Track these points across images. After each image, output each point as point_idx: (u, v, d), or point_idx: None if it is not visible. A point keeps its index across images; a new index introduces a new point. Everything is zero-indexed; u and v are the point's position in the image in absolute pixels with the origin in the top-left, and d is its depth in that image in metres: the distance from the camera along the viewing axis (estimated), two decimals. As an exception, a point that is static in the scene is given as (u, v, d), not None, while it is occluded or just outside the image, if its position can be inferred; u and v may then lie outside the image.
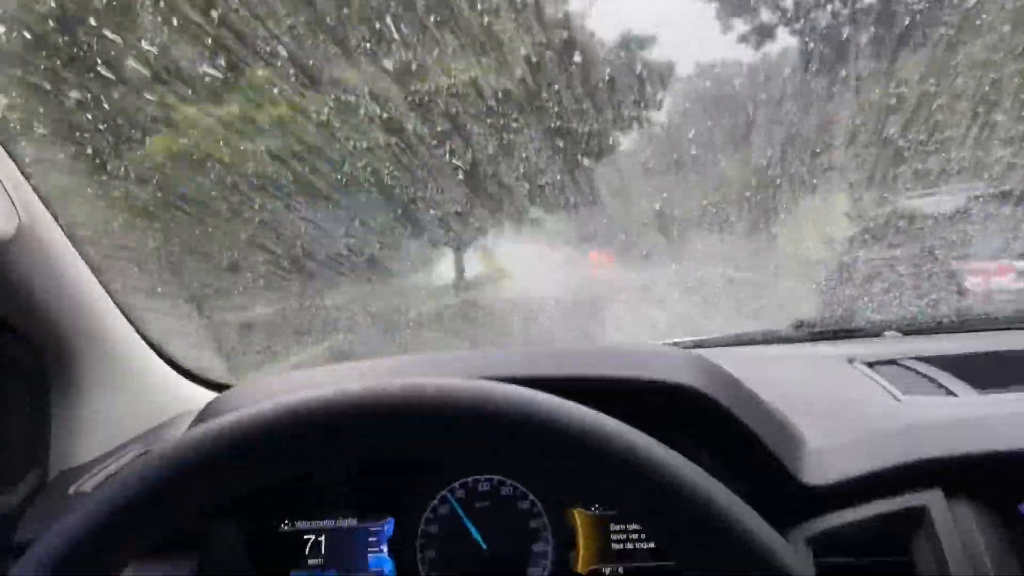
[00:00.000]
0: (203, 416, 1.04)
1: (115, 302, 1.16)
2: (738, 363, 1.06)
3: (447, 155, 2.62)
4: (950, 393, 1.03)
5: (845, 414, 1.00)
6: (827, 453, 0.92)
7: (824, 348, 1.39)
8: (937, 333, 1.46)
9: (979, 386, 1.04)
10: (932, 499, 0.85)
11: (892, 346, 1.36)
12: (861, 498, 0.87)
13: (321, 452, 0.61)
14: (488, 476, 1.10)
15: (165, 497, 0.59)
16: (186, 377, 1.30)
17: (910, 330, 1.46)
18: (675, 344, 1.48)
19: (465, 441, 0.60)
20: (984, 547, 0.81)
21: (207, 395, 1.28)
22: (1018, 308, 1.53)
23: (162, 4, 1.95)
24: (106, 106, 1.85)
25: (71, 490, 1.05)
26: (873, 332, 1.48)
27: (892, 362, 1.18)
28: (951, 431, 0.91)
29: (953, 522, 0.83)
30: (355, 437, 0.60)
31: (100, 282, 1.13)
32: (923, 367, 1.13)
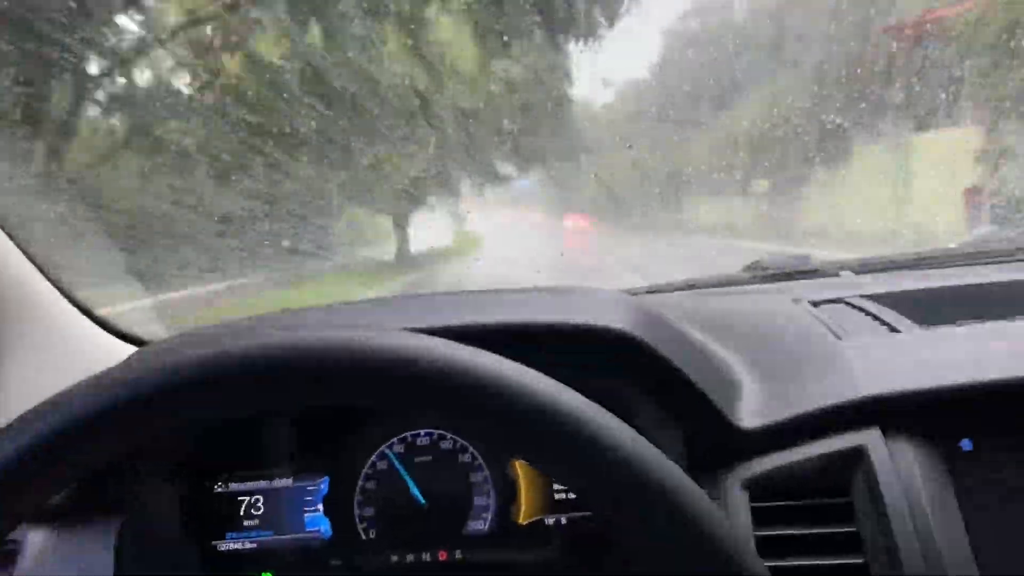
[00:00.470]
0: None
1: (31, 258, 1.11)
2: (684, 306, 1.03)
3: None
4: (893, 330, 1.00)
5: (784, 354, 0.97)
6: (763, 395, 0.90)
7: (773, 289, 1.37)
8: (892, 271, 1.44)
9: (923, 322, 1.02)
10: (869, 438, 0.83)
11: (844, 285, 1.34)
12: (798, 439, 0.86)
13: (203, 411, 0.58)
14: (428, 430, 1.07)
15: (47, 448, 0.55)
16: (110, 332, 1.25)
17: (864, 269, 1.44)
18: (630, 291, 1.45)
19: (351, 398, 0.57)
20: (923, 485, 0.80)
21: (132, 351, 1.24)
22: (975, 244, 1.51)
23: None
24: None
25: None
26: (827, 272, 1.45)
27: (838, 301, 1.15)
28: (889, 368, 0.89)
29: (891, 461, 0.81)
30: (230, 395, 0.57)
31: (12, 237, 1.08)
32: (869, 304, 1.11)
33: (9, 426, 0.56)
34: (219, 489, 1.07)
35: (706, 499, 0.54)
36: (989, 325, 0.98)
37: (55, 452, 0.56)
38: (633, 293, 1.43)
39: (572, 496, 1.04)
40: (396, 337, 0.56)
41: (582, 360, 0.82)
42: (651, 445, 0.55)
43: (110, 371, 0.59)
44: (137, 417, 0.57)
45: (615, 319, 0.90)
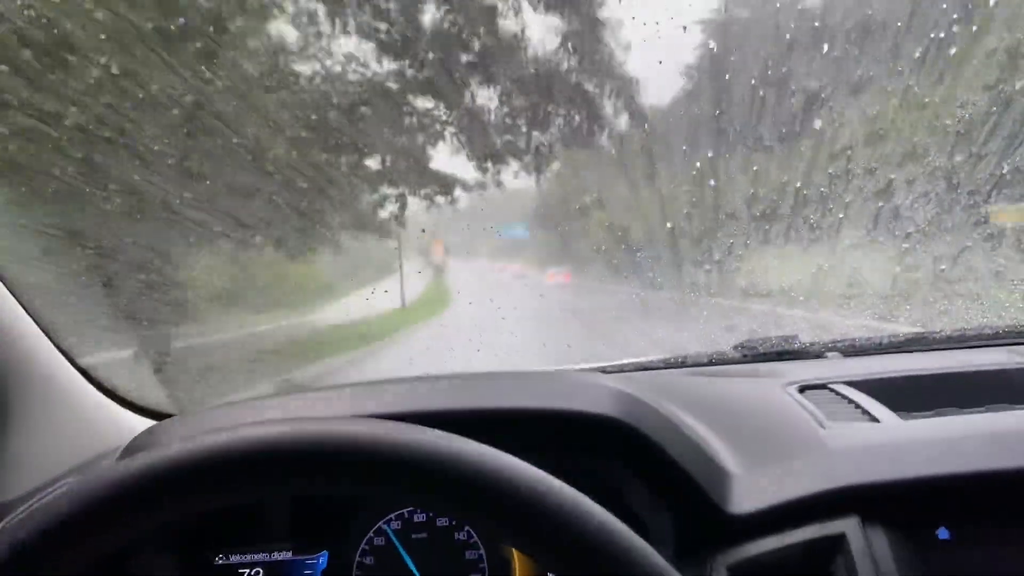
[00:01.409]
0: (130, 449, 1.04)
1: (43, 329, 1.15)
2: (674, 387, 1.07)
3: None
4: (873, 419, 1.05)
5: (770, 441, 1.01)
6: (750, 481, 0.94)
7: (763, 370, 1.41)
8: (877, 354, 1.48)
9: (903, 409, 1.06)
10: (849, 526, 0.86)
11: (831, 368, 1.38)
12: (782, 526, 0.89)
13: (210, 498, 0.62)
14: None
15: (66, 533, 0.59)
16: (123, 405, 1.28)
17: (850, 351, 1.48)
18: (614, 366, 1.49)
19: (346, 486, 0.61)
20: (898, 572, 0.83)
21: (144, 423, 1.27)
22: (957, 328, 1.56)
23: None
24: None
25: (0, 525, 1.03)
26: (814, 353, 1.49)
27: (823, 386, 1.20)
28: (869, 458, 0.93)
29: (869, 549, 0.84)
30: (234, 483, 0.61)
31: (26, 309, 1.12)
32: (852, 392, 1.15)
33: (32, 512, 0.60)
34: (220, 561, 1.09)
35: None
36: (966, 417, 1.03)
37: (75, 538, 0.60)
38: (621, 369, 1.47)
39: None
40: (405, 431, 0.61)
41: (574, 445, 0.86)
42: (641, 540, 0.59)
43: (108, 469, 0.62)
44: (156, 505, 0.61)
45: (607, 406, 0.94)
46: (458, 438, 0.61)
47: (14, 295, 1.11)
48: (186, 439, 0.62)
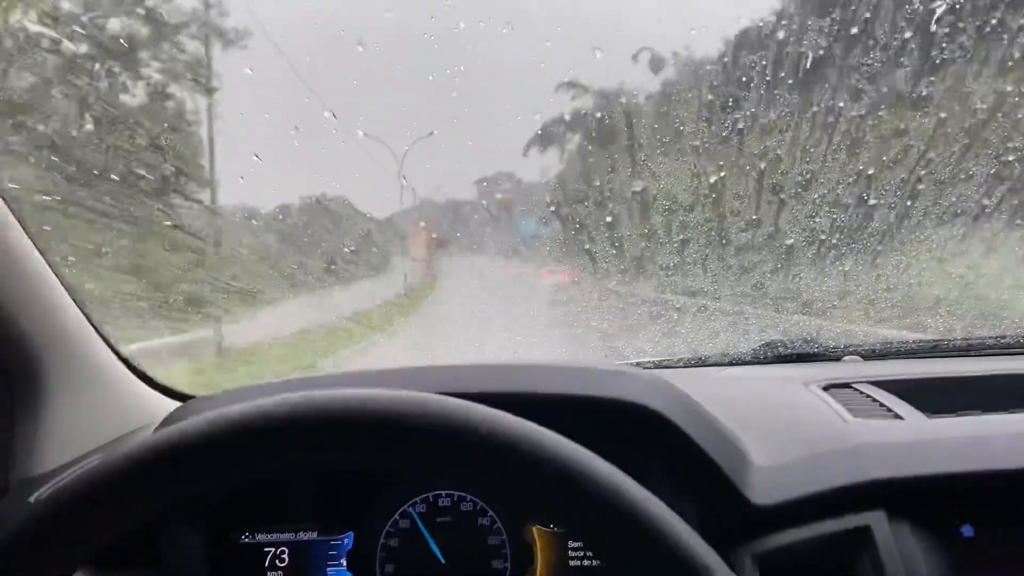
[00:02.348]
0: (165, 424, 1.06)
1: (81, 309, 1.16)
2: (696, 384, 1.08)
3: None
4: (897, 416, 1.05)
5: (795, 435, 1.02)
6: (775, 473, 0.95)
7: (784, 371, 1.42)
8: (895, 358, 1.49)
9: (926, 410, 1.07)
10: (875, 519, 0.87)
11: (851, 370, 1.39)
12: (807, 518, 0.90)
13: (250, 466, 0.63)
14: (449, 491, 1.11)
15: (100, 505, 0.60)
16: (151, 387, 1.30)
17: (870, 355, 1.49)
18: (639, 364, 1.50)
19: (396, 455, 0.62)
20: (925, 567, 0.83)
21: (171, 405, 1.29)
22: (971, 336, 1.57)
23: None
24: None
25: (31, 499, 1.05)
26: (834, 356, 1.50)
27: (846, 385, 1.21)
28: (896, 453, 0.93)
29: (895, 542, 0.85)
30: (274, 449, 0.62)
31: (66, 288, 1.13)
32: (875, 391, 1.16)
33: (60, 486, 0.61)
34: (246, 540, 1.11)
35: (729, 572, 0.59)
36: (990, 417, 1.03)
37: (106, 509, 0.61)
38: (644, 366, 1.48)
39: (586, 563, 1.08)
40: (458, 404, 0.62)
41: (604, 433, 0.87)
42: (680, 518, 0.60)
43: (148, 437, 0.63)
44: (192, 469, 0.62)
45: (642, 396, 0.96)
46: (505, 414, 0.62)
47: (60, 280, 1.13)
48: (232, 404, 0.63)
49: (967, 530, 0.87)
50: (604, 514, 0.59)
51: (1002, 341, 1.50)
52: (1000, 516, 0.88)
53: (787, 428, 1.05)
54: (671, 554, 0.58)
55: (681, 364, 1.54)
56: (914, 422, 1.04)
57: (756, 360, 1.52)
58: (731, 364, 1.52)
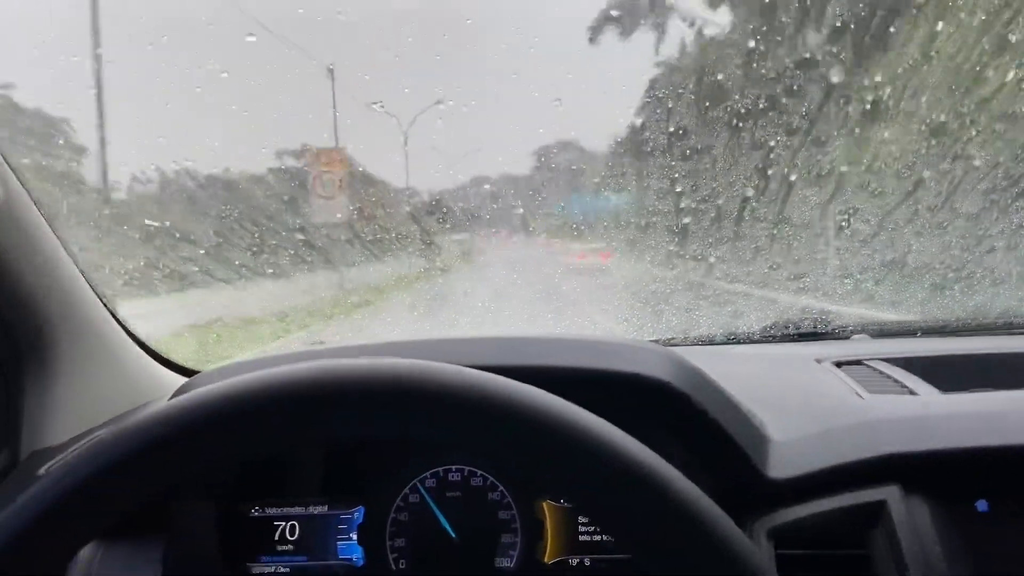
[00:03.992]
0: (177, 395, 1.05)
1: (90, 284, 1.16)
2: (709, 361, 1.08)
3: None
4: (912, 392, 1.05)
5: (809, 410, 1.02)
6: (790, 448, 0.94)
7: (794, 349, 1.42)
8: (904, 336, 1.49)
9: (940, 386, 1.07)
10: (890, 494, 0.87)
11: (861, 348, 1.39)
12: (822, 492, 0.89)
13: (265, 436, 0.62)
14: (459, 466, 1.11)
15: (114, 476, 0.59)
16: (159, 362, 1.30)
17: (878, 333, 1.49)
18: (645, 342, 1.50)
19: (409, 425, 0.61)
20: (938, 542, 0.83)
21: (179, 380, 1.29)
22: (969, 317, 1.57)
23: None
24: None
25: (40, 471, 1.05)
26: (843, 335, 1.50)
27: (858, 362, 1.20)
28: (910, 428, 0.93)
29: (909, 517, 0.85)
30: (290, 419, 0.61)
31: (76, 263, 1.13)
32: (888, 367, 1.16)
33: (72, 458, 0.61)
34: (255, 513, 1.10)
35: (751, 545, 0.59)
36: (1004, 394, 1.03)
37: (115, 483, 0.60)
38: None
39: (596, 538, 1.08)
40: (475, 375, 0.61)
41: (621, 407, 0.87)
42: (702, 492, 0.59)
43: (160, 407, 0.62)
44: (187, 450, 0.61)
45: (658, 369, 0.95)
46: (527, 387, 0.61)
47: (71, 257, 1.12)
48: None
49: (981, 505, 0.87)
50: (633, 491, 0.58)
51: (1009, 321, 1.51)
52: (1015, 491, 0.88)
53: (802, 404, 1.04)
54: (695, 531, 0.57)
55: (692, 342, 1.54)
56: (929, 398, 1.03)
57: (765, 339, 1.52)
58: (740, 343, 1.52)
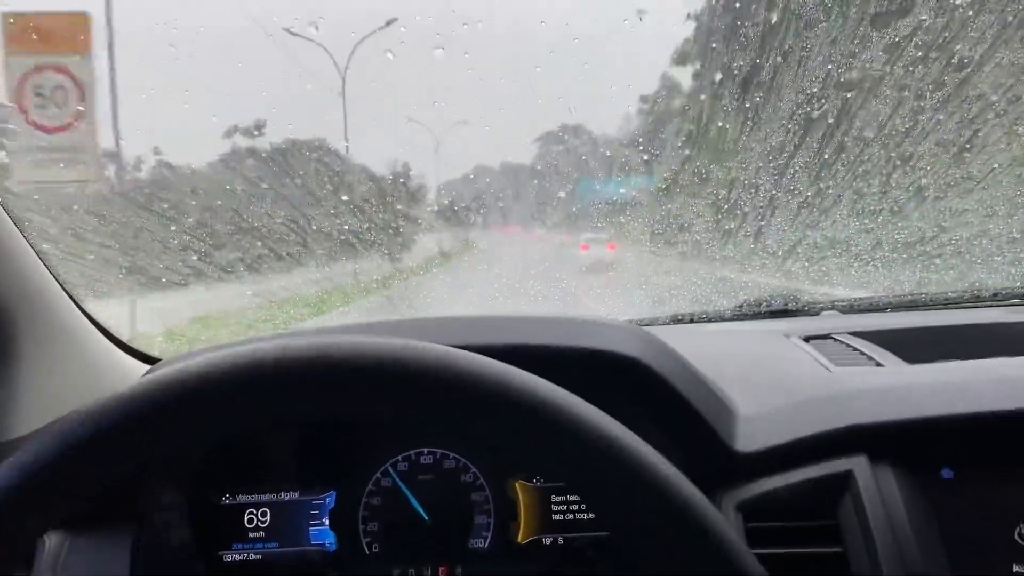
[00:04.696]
0: None
1: (53, 274, 1.14)
2: (680, 338, 1.08)
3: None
4: (878, 364, 1.06)
5: (777, 384, 1.03)
6: (758, 421, 0.95)
7: (765, 325, 1.43)
8: (872, 311, 1.50)
9: (906, 358, 1.08)
10: (857, 464, 0.88)
11: (830, 323, 1.40)
12: (790, 464, 0.90)
13: (234, 415, 0.61)
14: (431, 449, 1.11)
15: (78, 459, 0.58)
16: (125, 351, 1.28)
17: (847, 310, 1.51)
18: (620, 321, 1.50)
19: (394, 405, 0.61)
20: (905, 510, 0.84)
21: (145, 369, 1.27)
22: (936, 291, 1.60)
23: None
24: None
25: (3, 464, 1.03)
26: (813, 311, 1.51)
27: (827, 336, 1.21)
28: (876, 399, 0.94)
29: (877, 486, 0.86)
30: (257, 399, 0.60)
31: (38, 253, 1.11)
32: (855, 341, 1.17)
33: (40, 438, 0.59)
34: (226, 501, 1.10)
35: (716, 511, 0.59)
36: (968, 363, 1.04)
37: (82, 464, 0.59)
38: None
39: (569, 517, 1.08)
40: (448, 352, 0.61)
41: (592, 383, 0.87)
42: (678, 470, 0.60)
43: (121, 392, 0.61)
44: (152, 432, 0.60)
45: (627, 346, 0.95)
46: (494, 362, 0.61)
47: (31, 245, 1.10)
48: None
49: (946, 472, 0.88)
50: (601, 461, 0.58)
51: (971, 294, 1.53)
52: (978, 458, 0.89)
53: (770, 378, 1.05)
54: (661, 499, 0.58)
55: (667, 321, 1.55)
56: (894, 369, 1.05)
57: (736, 316, 1.53)
58: (712, 320, 1.53)
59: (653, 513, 0.58)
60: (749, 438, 0.93)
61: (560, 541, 1.08)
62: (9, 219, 1.05)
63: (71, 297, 1.17)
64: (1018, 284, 1.57)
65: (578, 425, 0.58)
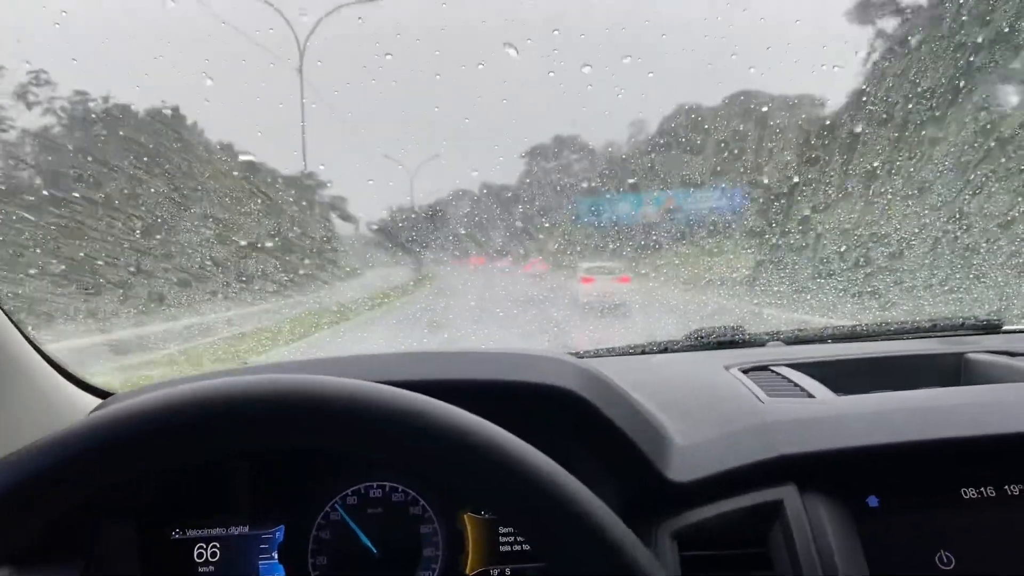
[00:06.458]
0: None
1: (3, 309, 1.14)
2: (625, 370, 1.12)
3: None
4: (809, 395, 1.10)
5: (712, 415, 1.06)
6: (692, 451, 0.98)
7: (711, 356, 1.46)
8: (814, 343, 1.55)
9: (838, 389, 1.12)
10: (787, 493, 0.91)
11: (772, 353, 1.44)
12: (723, 493, 0.94)
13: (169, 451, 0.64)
14: (380, 483, 1.12)
15: (24, 496, 0.60)
16: (76, 385, 1.28)
17: (792, 340, 1.55)
18: (574, 354, 1.53)
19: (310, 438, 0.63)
20: (833, 537, 0.88)
21: (95, 402, 1.27)
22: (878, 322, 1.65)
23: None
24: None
25: None
26: (760, 342, 1.56)
27: (765, 368, 1.26)
28: (805, 429, 0.98)
29: (806, 514, 0.90)
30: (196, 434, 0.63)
31: None
32: (791, 372, 1.21)
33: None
34: (176, 536, 1.10)
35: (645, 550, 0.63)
36: (893, 394, 1.09)
37: (37, 497, 0.61)
38: (578, 355, 1.51)
39: (516, 548, 1.10)
40: (376, 389, 0.63)
41: (528, 416, 0.90)
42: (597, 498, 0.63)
43: (86, 421, 0.64)
44: (92, 470, 0.63)
45: (562, 379, 0.98)
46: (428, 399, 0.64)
47: None
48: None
49: (872, 500, 0.92)
50: (530, 498, 0.61)
51: (912, 325, 1.58)
52: (901, 486, 0.93)
53: (706, 408, 1.09)
54: (593, 534, 0.61)
55: (618, 352, 1.58)
56: (823, 400, 1.09)
57: (686, 347, 1.57)
58: (663, 351, 1.56)
59: (578, 543, 0.61)
60: (683, 468, 0.96)
61: (508, 572, 1.09)
62: None
63: (20, 330, 1.18)
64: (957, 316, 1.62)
65: (490, 452, 0.61)
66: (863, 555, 0.88)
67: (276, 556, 1.09)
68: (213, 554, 1.09)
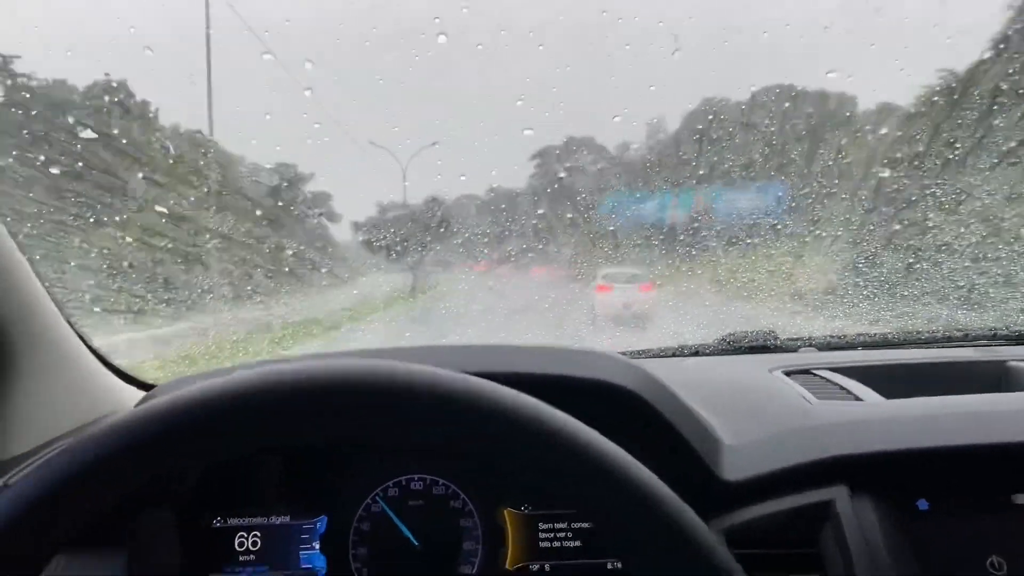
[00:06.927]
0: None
1: (50, 295, 1.15)
2: (669, 371, 1.12)
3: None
4: (857, 398, 1.10)
5: (761, 416, 1.06)
6: (743, 451, 0.98)
7: (746, 360, 1.47)
8: (847, 349, 1.55)
9: (883, 393, 1.12)
10: (838, 494, 0.91)
11: (809, 359, 1.44)
12: (773, 493, 0.94)
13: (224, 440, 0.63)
14: (421, 475, 1.13)
15: (81, 485, 0.60)
16: (117, 375, 1.29)
17: (824, 347, 1.55)
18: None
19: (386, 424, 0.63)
20: (883, 539, 0.88)
21: (137, 394, 1.28)
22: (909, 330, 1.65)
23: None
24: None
25: (0, 482, 1.03)
26: (791, 348, 1.56)
27: (807, 371, 1.26)
28: (856, 432, 0.98)
29: (856, 516, 0.89)
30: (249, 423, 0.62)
31: (36, 275, 1.12)
32: (835, 376, 1.21)
33: (39, 466, 0.61)
34: (217, 524, 1.10)
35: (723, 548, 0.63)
36: (943, 399, 1.09)
37: (86, 490, 0.61)
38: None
39: (556, 544, 1.10)
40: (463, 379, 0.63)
41: (585, 411, 0.90)
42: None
43: (119, 417, 0.63)
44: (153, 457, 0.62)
45: (618, 377, 0.99)
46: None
47: (36, 272, 1.12)
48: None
49: (922, 504, 0.92)
50: (630, 504, 0.62)
51: (944, 334, 1.59)
52: (951, 490, 0.93)
53: (755, 409, 1.09)
54: (684, 538, 0.61)
55: (653, 354, 1.59)
56: (873, 403, 1.09)
57: (718, 351, 1.57)
58: (695, 355, 1.57)
59: (658, 537, 0.61)
60: (735, 467, 0.96)
61: (547, 568, 1.09)
62: (9, 237, 1.07)
63: (69, 323, 1.19)
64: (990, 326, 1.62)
65: (577, 446, 0.62)
66: (914, 558, 0.88)
67: (317, 546, 1.09)
68: (254, 543, 1.10)
